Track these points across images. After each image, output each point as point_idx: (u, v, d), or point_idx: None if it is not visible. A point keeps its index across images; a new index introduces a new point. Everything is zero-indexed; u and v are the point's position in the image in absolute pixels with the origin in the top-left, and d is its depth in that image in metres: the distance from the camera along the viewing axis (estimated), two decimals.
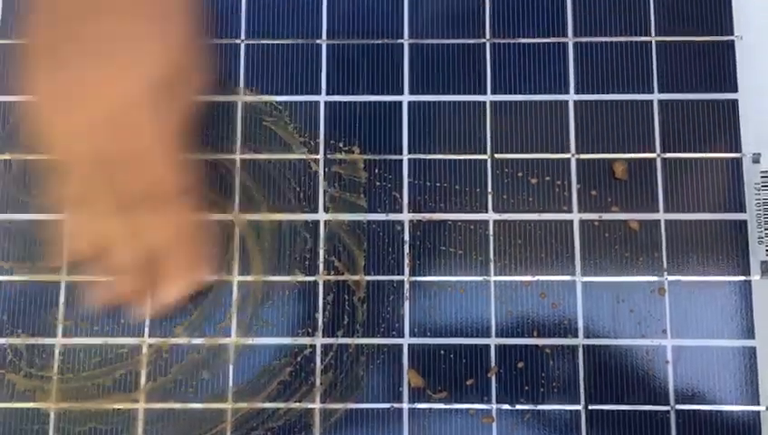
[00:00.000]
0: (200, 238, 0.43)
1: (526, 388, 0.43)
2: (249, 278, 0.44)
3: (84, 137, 0.36)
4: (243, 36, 0.47)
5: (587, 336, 0.44)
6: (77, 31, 0.35)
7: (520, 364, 0.43)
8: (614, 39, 0.46)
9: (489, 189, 0.45)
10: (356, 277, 0.44)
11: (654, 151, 0.45)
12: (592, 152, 0.45)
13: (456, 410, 0.43)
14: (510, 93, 0.46)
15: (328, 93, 0.46)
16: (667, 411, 0.43)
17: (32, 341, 0.44)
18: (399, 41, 0.47)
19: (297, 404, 0.43)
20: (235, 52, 0.47)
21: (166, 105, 0.37)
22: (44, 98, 0.36)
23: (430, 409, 0.43)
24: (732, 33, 0.46)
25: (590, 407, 0.43)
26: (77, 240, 0.43)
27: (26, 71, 0.36)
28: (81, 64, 0.35)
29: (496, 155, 0.45)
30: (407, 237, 0.45)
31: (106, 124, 0.36)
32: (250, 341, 0.44)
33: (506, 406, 0.43)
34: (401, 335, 0.44)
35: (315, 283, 0.44)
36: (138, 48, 0.36)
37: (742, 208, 0.45)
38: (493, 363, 0.43)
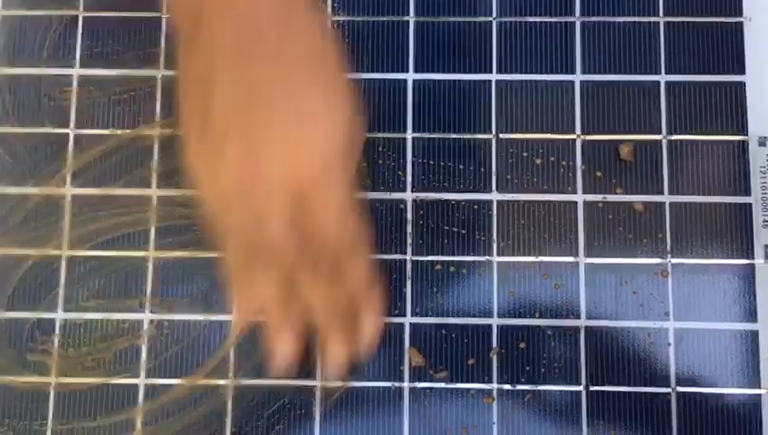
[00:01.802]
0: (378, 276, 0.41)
1: (527, 368, 0.43)
2: None
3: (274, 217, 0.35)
4: None
5: (589, 318, 0.43)
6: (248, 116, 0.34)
7: (521, 345, 0.43)
8: (622, 19, 0.46)
9: (493, 169, 0.45)
10: None
11: (660, 133, 0.45)
12: (598, 133, 0.45)
13: (457, 389, 0.43)
14: (516, 73, 0.46)
15: None
16: (668, 394, 0.43)
17: (33, 315, 0.44)
18: (405, 18, 0.46)
19: (298, 382, 0.43)
20: None
21: (348, 162, 0.37)
22: (226, 187, 0.35)
23: (431, 388, 0.43)
24: (740, 15, 0.46)
25: (590, 388, 0.43)
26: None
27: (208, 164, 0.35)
28: (265, 148, 0.34)
29: (501, 135, 0.45)
30: (410, 217, 0.45)
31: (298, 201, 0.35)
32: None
33: (507, 386, 0.43)
34: (403, 314, 0.44)
35: None
36: (321, 118, 0.35)
37: (747, 192, 0.44)
38: (494, 344, 0.43)
